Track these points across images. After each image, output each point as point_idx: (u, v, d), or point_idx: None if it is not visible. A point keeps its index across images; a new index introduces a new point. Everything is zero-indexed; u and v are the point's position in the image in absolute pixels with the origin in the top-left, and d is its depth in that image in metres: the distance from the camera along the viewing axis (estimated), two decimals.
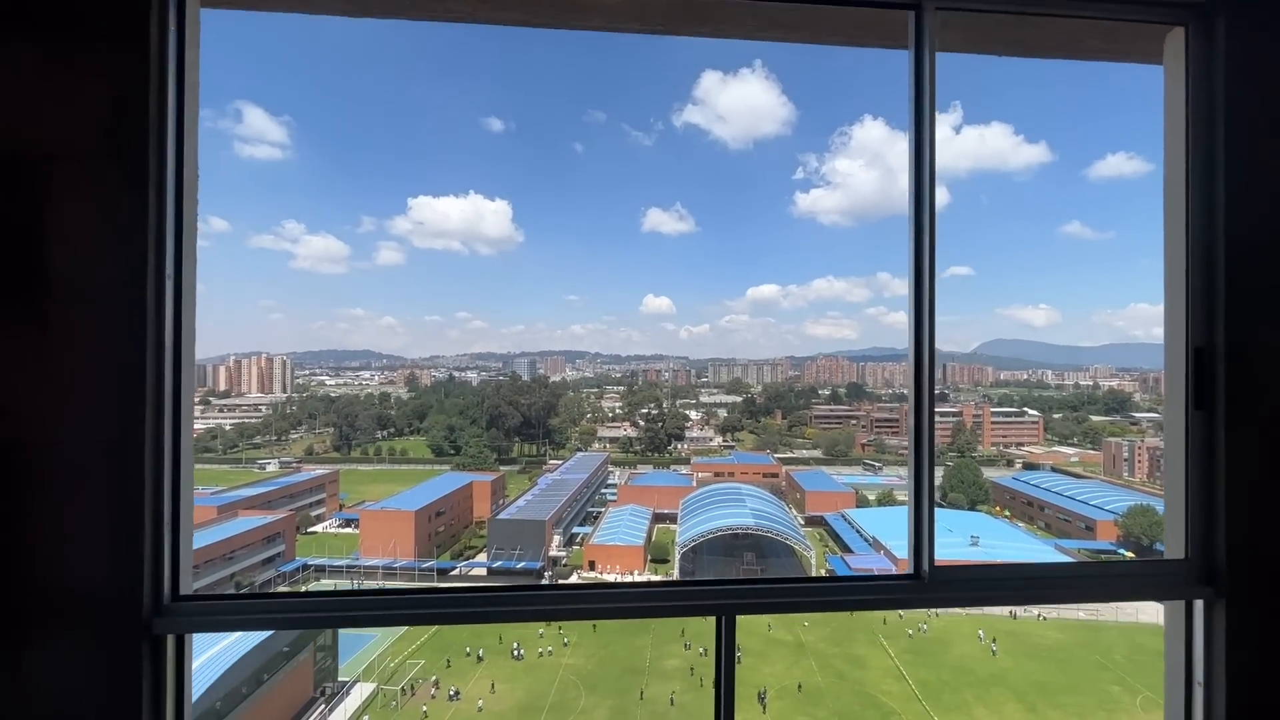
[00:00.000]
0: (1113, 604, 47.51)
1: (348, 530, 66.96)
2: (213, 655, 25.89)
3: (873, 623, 43.31)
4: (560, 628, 41.71)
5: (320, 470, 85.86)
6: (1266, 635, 2.13)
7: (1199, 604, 2.24)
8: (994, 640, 40.16)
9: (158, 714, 1.94)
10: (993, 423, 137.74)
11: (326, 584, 50.86)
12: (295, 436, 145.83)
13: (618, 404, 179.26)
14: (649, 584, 1.42)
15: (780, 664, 37.16)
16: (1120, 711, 32.50)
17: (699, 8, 2.25)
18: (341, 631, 36.01)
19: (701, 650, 38.96)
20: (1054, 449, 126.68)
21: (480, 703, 32.73)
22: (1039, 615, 44.75)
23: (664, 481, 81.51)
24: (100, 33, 1.93)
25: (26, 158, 1.89)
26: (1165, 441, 2.26)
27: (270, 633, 28.44)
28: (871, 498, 75.63)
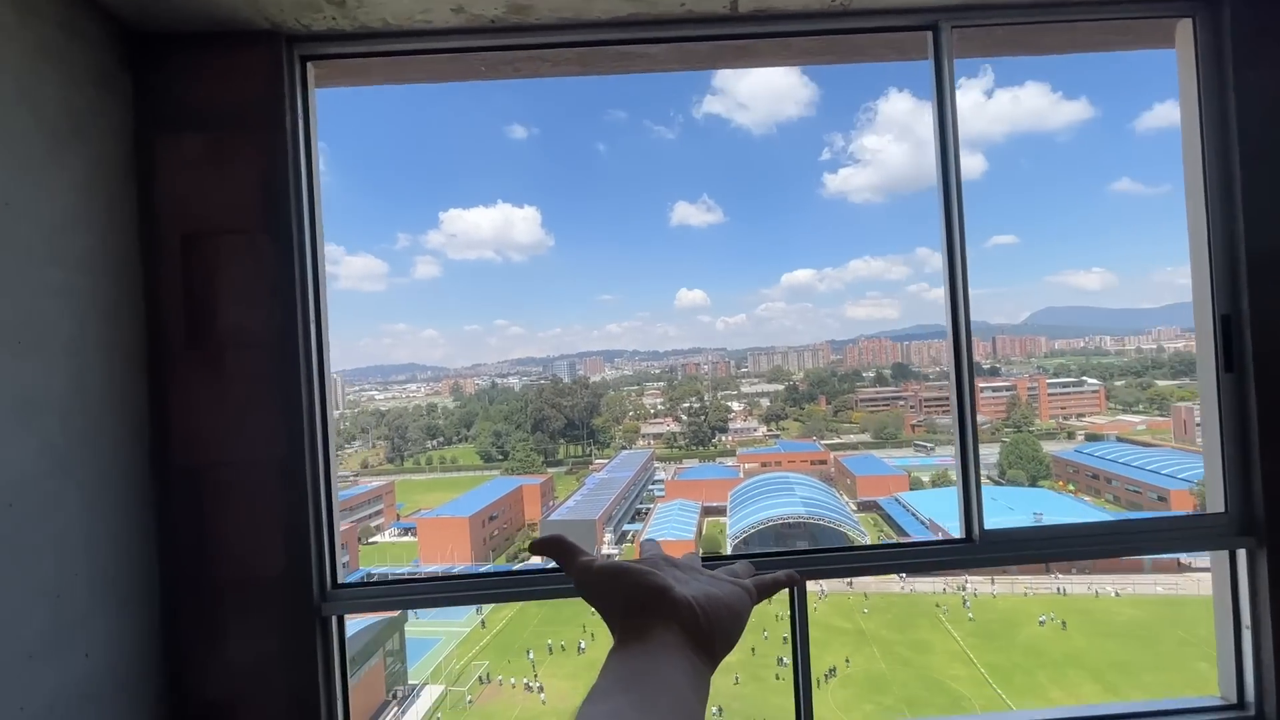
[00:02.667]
0: (1193, 576, 45.45)
1: (406, 539, 69.37)
2: None
3: (932, 608, 42.55)
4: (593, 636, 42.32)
5: (377, 482, 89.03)
6: None
7: (1242, 553, 2.41)
8: (1063, 621, 38.97)
9: (329, 680, 2.42)
10: (1049, 394, 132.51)
11: None
12: (350, 450, 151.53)
13: (659, 400, 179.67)
14: (712, 557, 1.64)
15: (841, 651, 36.90)
16: (1211, 687, 31.16)
17: (736, 49, 2.53)
18: (408, 636, 37.45)
19: (764, 633, 38.99)
20: (1118, 418, 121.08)
21: (543, 697, 33.67)
22: (1114, 592, 43.14)
23: (711, 474, 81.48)
24: (250, 124, 2.33)
25: (201, 234, 2.33)
26: (1200, 404, 2.43)
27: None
28: (925, 479, 73.95)
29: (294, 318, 2.40)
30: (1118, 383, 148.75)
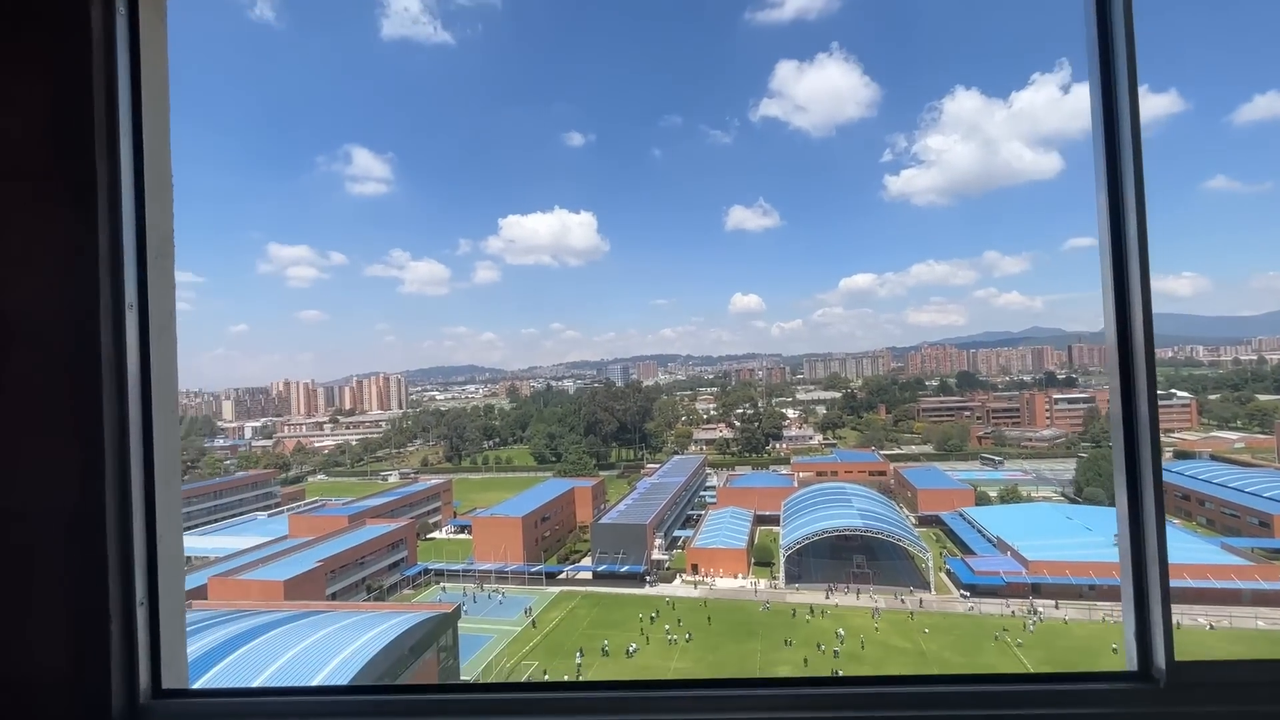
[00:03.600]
0: None
1: (462, 536, 71.13)
2: (345, 658, 28.28)
3: (994, 629, 40.08)
4: (670, 633, 41.90)
5: (435, 480, 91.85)
6: None
7: None
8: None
9: None
10: None
11: (450, 586, 54.20)
12: (412, 449, 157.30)
13: (712, 405, 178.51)
14: (764, 681, 1.23)
15: (901, 672, 35.27)
16: None
17: None
18: (461, 632, 38.11)
19: (819, 647, 37.69)
20: (1212, 434, 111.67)
21: None
22: (1207, 625, 39.47)
23: (764, 482, 79.91)
24: (35, 21, 1.64)
25: None
26: None
27: (395, 635, 30.62)
28: (992, 494, 70.02)
29: (95, 303, 1.61)
30: (1212, 396, 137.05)
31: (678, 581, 51.86)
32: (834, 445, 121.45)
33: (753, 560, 54.54)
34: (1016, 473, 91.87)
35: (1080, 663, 36.05)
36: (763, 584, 50.74)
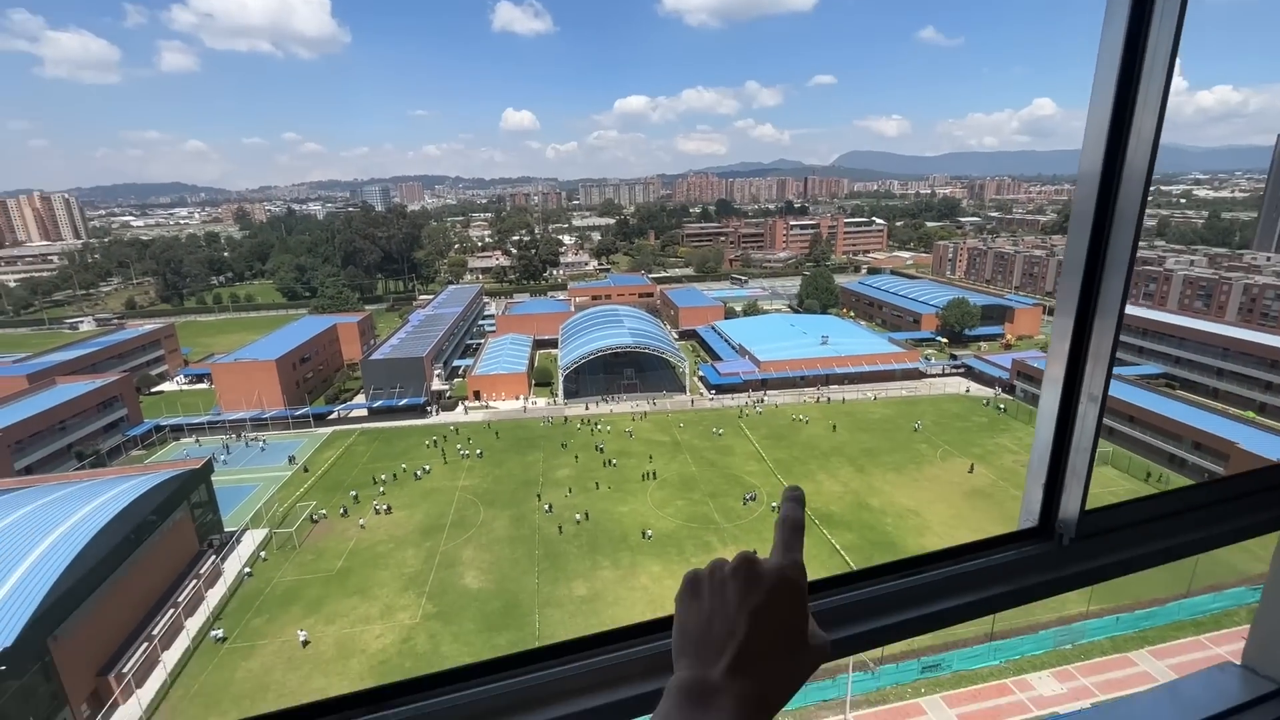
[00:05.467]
0: (926, 380, 56.83)
1: (200, 386, 61.78)
2: (63, 533, 24.17)
3: (734, 418, 49.24)
4: (445, 459, 43.20)
5: (149, 325, 75.74)
6: None
7: None
8: (833, 424, 47.45)
9: None
10: (845, 232, 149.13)
11: (187, 442, 47.79)
12: (108, 289, 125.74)
13: (486, 232, 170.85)
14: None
15: (660, 460, 41.77)
16: (926, 463, 40.65)
17: None
18: (218, 486, 34.79)
19: (597, 448, 42.61)
20: (894, 254, 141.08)
21: (361, 522, 34.19)
22: (872, 396, 53.12)
23: (542, 308, 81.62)
24: None
25: None
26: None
27: (127, 502, 26.80)
28: (738, 309, 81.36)
29: None
30: (898, 223, 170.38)
31: (460, 409, 52.68)
32: (608, 270, 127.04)
33: (533, 382, 57.26)
34: (758, 290, 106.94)
35: (783, 427, 46.54)
36: (542, 402, 54.15)
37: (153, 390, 61.18)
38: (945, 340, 67.66)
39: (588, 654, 1.00)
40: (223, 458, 44.77)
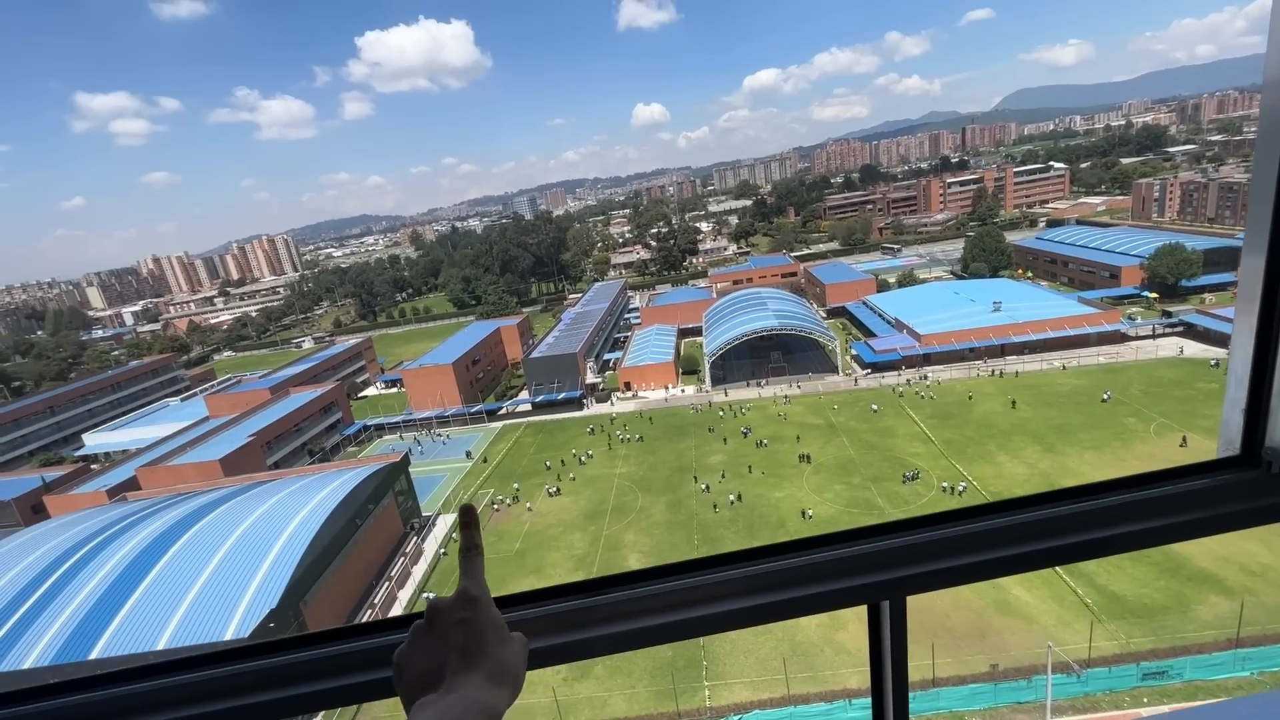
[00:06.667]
0: (1131, 344, 48.85)
1: (394, 390, 71.15)
2: (304, 518, 29.16)
3: (893, 398, 45.92)
4: (610, 444, 45.53)
5: (353, 340, 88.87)
6: None
7: None
8: (1012, 400, 42.41)
9: None
10: (1015, 183, 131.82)
11: (390, 439, 55.33)
12: (320, 312, 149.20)
13: (626, 228, 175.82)
14: (765, 550, 1.12)
15: (814, 444, 40.33)
16: (1135, 439, 34.95)
17: None
18: (414, 476, 39.85)
19: (744, 431, 42.38)
20: (1080, 201, 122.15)
21: (529, 505, 37.06)
22: (1061, 366, 46.66)
23: (684, 298, 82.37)
24: None
25: None
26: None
27: (348, 491, 31.59)
28: (891, 280, 75.55)
29: None
30: (1083, 165, 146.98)
31: (613, 400, 55.08)
32: (747, 254, 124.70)
33: (680, 370, 58.14)
34: (913, 258, 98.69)
35: (951, 404, 42.44)
36: (690, 390, 54.78)
37: (359, 395, 71.38)
38: (1155, 295, 57.36)
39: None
40: (419, 449, 51.16)
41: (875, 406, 44.48)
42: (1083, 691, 19.90)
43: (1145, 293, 58.21)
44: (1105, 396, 40.18)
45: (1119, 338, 49.41)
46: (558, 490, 39.48)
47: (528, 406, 56.53)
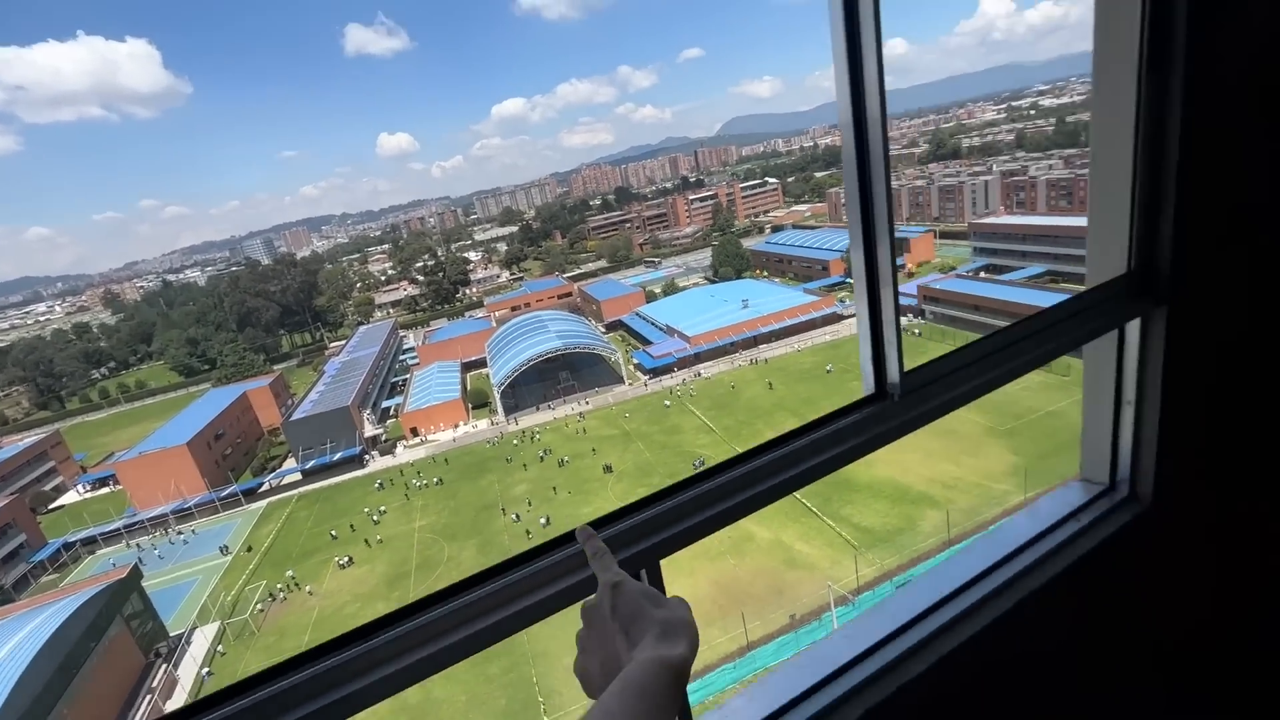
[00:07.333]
0: (845, 321, 59.39)
1: (106, 490, 56.55)
2: None
3: (675, 398, 50.05)
4: (407, 495, 41.79)
5: (30, 439, 68.42)
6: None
7: (1134, 324, 1.93)
8: (769, 382, 49.05)
9: None
10: (743, 197, 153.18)
11: (106, 553, 43.78)
12: None
13: (388, 265, 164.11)
14: (530, 554, 1.18)
15: (613, 454, 41.88)
16: (854, 394, 42.68)
17: None
18: (152, 590, 32.24)
19: (542, 455, 42.22)
20: (792, 209, 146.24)
21: (309, 588, 32.68)
22: (798, 348, 55.22)
23: (463, 330, 79.47)
24: None
25: None
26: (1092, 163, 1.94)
27: (49, 633, 24.44)
28: (657, 290, 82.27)
29: None
30: (789, 179, 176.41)
31: (400, 449, 50.85)
32: (521, 278, 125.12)
33: (470, 405, 55.96)
34: (672, 268, 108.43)
35: (723, 395, 47.79)
36: (483, 423, 53.05)
37: (51, 507, 55.60)
38: (853, 281, 70.96)
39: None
40: (155, 554, 41.50)
41: (667, 403, 48.05)
42: (857, 614, 23.60)
43: (848, 279, 71.84)
44: (829, 369, 48.58)
45: (836, 319, 60.10)
46: (349, 560, 35.11)
47: (297, 475, 49.40)
